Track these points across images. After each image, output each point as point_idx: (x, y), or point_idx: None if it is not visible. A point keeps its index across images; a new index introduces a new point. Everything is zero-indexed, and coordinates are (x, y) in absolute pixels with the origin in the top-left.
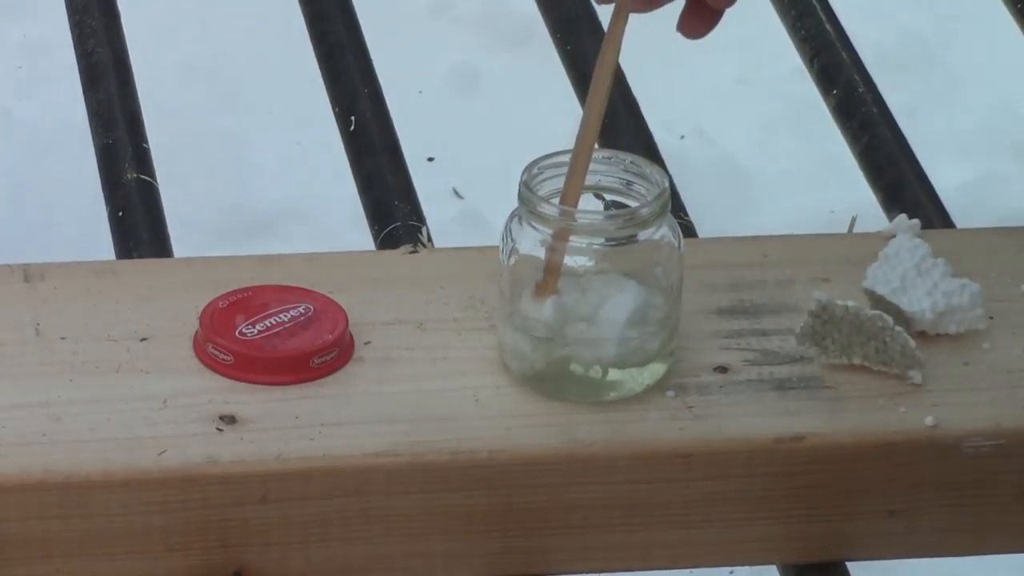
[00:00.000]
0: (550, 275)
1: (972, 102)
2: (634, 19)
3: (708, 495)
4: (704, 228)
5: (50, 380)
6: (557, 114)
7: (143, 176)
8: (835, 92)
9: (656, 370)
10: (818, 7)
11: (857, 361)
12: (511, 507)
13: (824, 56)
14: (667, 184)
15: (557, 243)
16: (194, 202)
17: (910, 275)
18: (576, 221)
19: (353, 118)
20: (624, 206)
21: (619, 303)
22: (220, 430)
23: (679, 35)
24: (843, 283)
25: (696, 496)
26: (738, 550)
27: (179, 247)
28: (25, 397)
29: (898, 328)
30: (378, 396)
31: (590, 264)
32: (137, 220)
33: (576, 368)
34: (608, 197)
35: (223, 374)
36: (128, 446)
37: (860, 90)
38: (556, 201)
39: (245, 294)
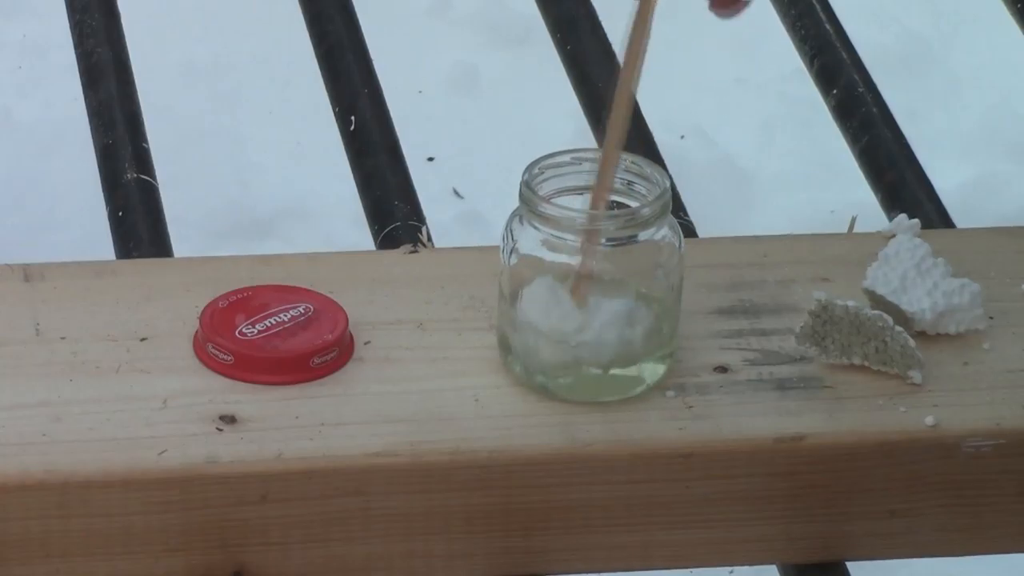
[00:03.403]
0: (583, 280)
1: (972, 102)
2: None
3: (708, 495)
4: (704, 228)
5: (50, 380)
6: (557, 114)
7: (143, 176)
8: (835, 92)
9: (656, 370)
10: (818, 7)
11: (857, 361)
12: (511, 507)
13: (824, 56)
14: (668, 184)
15: (588, 246)
16: (194, 202)
17: (910, 275)
18: (600, 224)
19: (353, 118)
20: (625, 206)
21: (620, 304)
22: (220, 430)
23: (708, 15)
24: (843, 283)
25: (696, 496)
26: (738, 550)
27: (179, 247)
28: (25, 397)
29: (898, 328)
30: (378, 396)
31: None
32: (137, 220)
33: (577, 370)
34: (609, 197)
35: (223, 374)
36: (128, 446)
37: (860, 90)
38: (557, 201)
39: (245, 294)
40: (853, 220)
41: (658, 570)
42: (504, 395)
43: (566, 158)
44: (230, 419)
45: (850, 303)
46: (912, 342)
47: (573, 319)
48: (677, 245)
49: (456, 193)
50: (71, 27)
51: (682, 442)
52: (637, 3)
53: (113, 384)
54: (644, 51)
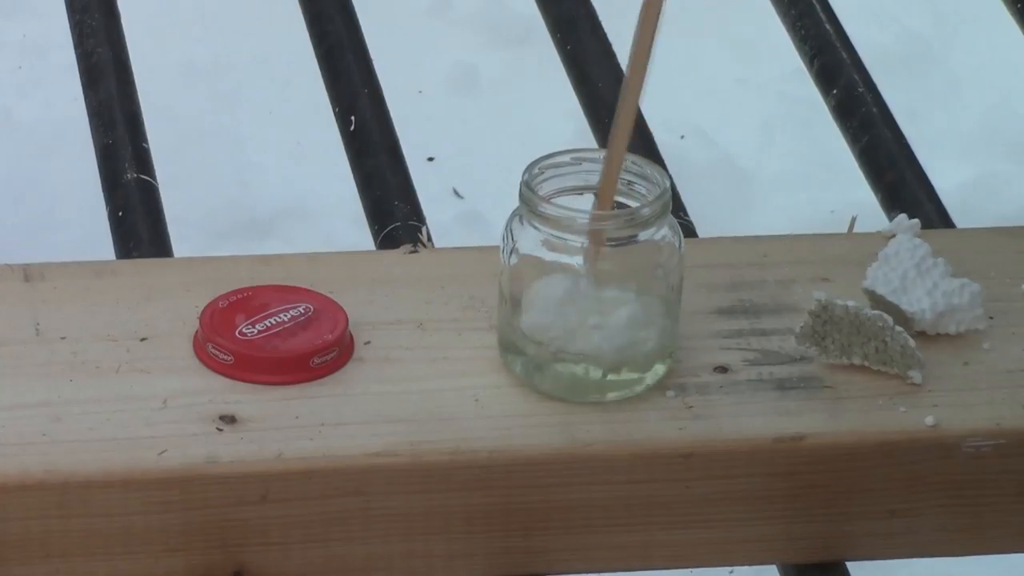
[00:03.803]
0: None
1: (972, 102)
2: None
3: (708, 495)
4: (704, 228)
5: (50, 380)
6: (557, 114)
7: (143, 176)
8: (835, 92)
9: (656, 370)
10: (818, 7)
11: (857, 361)
12: (511, 507)
13: (824, 56)
14: (668, 184)
15: (594, 247)
16: (194, 202)
17: (910, 275)
18: (608, 223)
19: (353, 118)
20: (625, 206)
21: (620, 304)
22: (220, 430)
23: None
24: (843, 283)
25: (696, 496)
26: (738, 550)
27: (179, 247)
28: (25, 397)
29: (898, 328)
30: (378, 396)
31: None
32: (137, 220)
33: (577, 370)
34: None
35: (223, 374)
36: (128, 446)
37: (860, 90)
38: (557, 201)
39: (245, 294)
40: (853, 220)
41: (658, 570)
42: (504, 395)
43: (566, 158)
44: (230, 419)
45: (850, 303)
46: (912, 342)
47: (575, 324)
48: (677, 245)
49: (456, 193)
50: (71, 27)
51: (682, 442)
52: (644, 6)
53: (113, 384)
54: (652, 48)
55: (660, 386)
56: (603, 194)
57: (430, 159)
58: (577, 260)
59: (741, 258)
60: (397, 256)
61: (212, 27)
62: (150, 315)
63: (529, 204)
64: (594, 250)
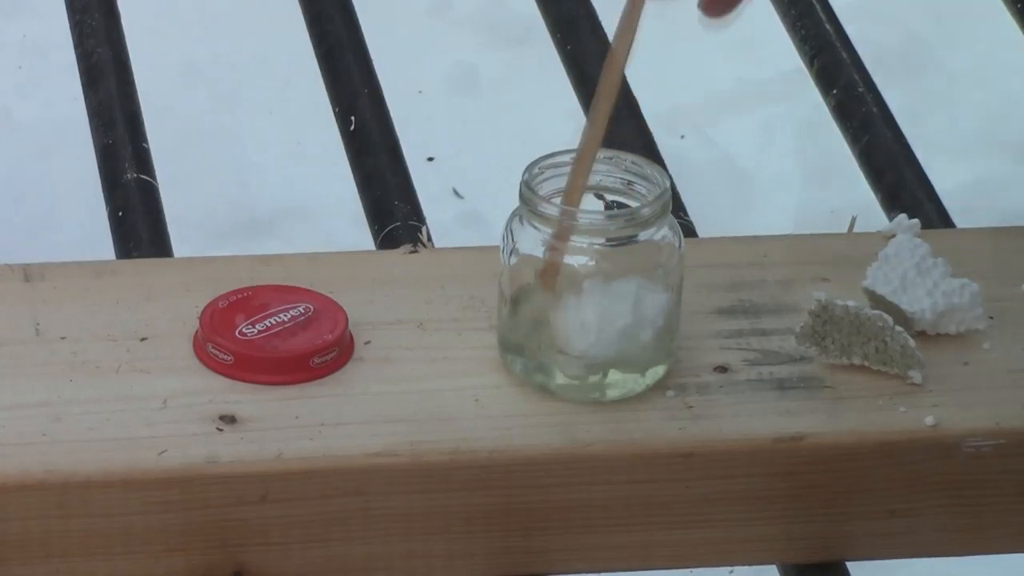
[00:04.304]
0: (548, 275)
1: (972, 102)
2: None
3: (708, 495)
4: (704, 228)
5: (50, 380)
6: (557, 114)
7: (143, 176)
8: (835, 92)
9: (656, 370)
10: (818, 7)
11: (857, 361)
12: (511, 507)
13: (824, 56)
14: (668, 184)
15: (558, 243)
16: (194, 202)
17: (910, 275)
18: (577, 221)
19: (353, 118)
20: (625, 206)
21: (620, 304)
22: (220, 430)
23: (696, 22)
24: (843, 283)
25: (696, 496)
26: (738, 550)
27: (179, 247)
28: (25, 397)
29: (898, 328)
30: (378, 396)
31: (591, 264)
32: (137, 220)
33: (576, 369)
34: (609, 197)
35: (223, 374)
36: (128, 446)
37: (860, 90)
38: (558, 201)
39: (245, 294)
40: (853, 220)
41: (658, 570)
42: (504, 395)
43: (566, 158)
44: (230, 419)
45: (850, 303)
46: (912, 342)
47: (575, 324)
48: (677, 245)
49: (456, 193)
50: (71, 27)
51: (682, 442)
52: (626, 4)
53: (113, 384)
54: (631, 46)
55: (660, 386)
56: (570, 191)
57: (430, 159)
58: (578, 260)
59: (741, 258)
60: (397, 256)
61: (212, 27)
62: (150, 315)
63: (529, 204)
64: (559, 248)
